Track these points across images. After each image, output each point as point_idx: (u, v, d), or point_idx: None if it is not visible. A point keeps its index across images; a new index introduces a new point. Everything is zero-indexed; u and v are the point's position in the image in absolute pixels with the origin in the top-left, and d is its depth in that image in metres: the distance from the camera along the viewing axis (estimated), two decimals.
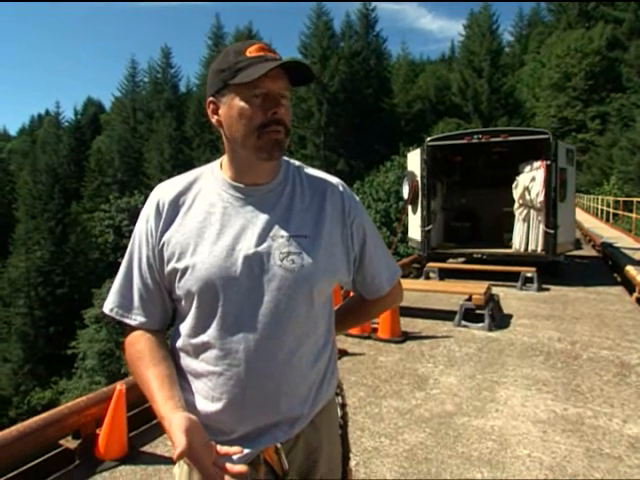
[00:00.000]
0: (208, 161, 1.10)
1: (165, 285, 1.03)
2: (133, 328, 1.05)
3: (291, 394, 0.99)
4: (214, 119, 1.02)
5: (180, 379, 1.02)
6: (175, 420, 0.87)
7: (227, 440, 0.98)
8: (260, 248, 0.97)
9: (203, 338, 0.98)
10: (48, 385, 23.78)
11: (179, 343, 1.03)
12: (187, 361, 1.02)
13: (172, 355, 1.05)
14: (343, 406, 1.17)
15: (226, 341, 0.96)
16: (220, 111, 1.00)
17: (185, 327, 1.01)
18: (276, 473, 1.00)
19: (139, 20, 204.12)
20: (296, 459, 1.03)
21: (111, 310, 1.05)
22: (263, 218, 1.00)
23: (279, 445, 1.00)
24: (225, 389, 0.97)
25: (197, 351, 0.99)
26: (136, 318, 1.04)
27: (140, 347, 1.01)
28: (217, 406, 0.97)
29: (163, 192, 1.04)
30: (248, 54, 0.96)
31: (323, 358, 1.06)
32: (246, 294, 0.96)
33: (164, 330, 1.09)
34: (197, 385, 1.00)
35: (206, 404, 0.99)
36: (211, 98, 1.01)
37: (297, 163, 1.12)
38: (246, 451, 0.97)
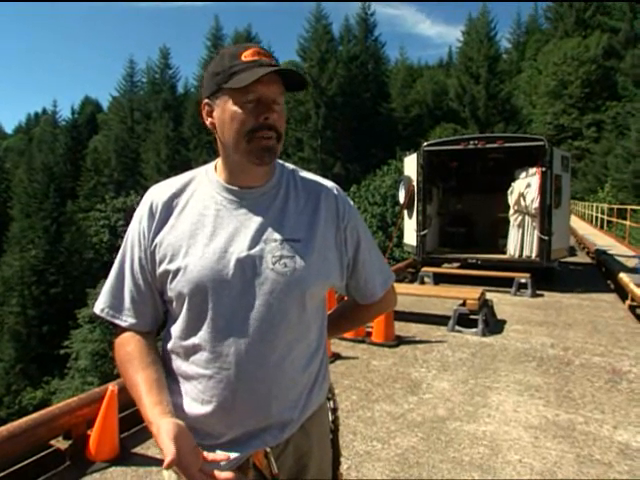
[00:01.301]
0: (205, 162, 1.10)
1: (157, 286, 1.03)
2: (123, 329, 1.04)
3: (282, 398, 0.99)
4: (208, 121, 1.03)
5: (170, 381, 1.02)
6: (163, 426, 0.86)
7: (216, 444, 0.98)
8: (252, 251, 0.97)
9: (194, 340, 0.98)
10: (40, 385, 23.61)
11: (170, 345, 1.02)
12: (178, 363, 1.02)
13: (163, 357, 1.05)
14: (334, 411, 1.17)
15: (217, 344, 0.96)
16: (214, 114, 1.00)
17: (176, 329, 1.01)
18: (265, 477, 1.00)
19: (138, 20, 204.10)
20: (286, 463, 1.03)
21: (102, 310, 1.05)
22: (256, 221, 1.00)
23: (268, 449, 0.99)
24: (215, 392, 0.96)
25: (188, 353, 0.99)
26: (127, 319, 1.03)
27: (130, 349, 1.01)
28: (207, 409, 0.97)
29: (157, 193, 1.05)
30: (243, 58, 0.96)
31: (315, 363, 1.06)
32: (238, 297, 0.96)
33: (155, 332, 1.09)
34: (187, 387, 1.00)
35: (196, 407, 0.98)
36: (206, 100, 1.01)
37: (291, 166, 1.12)
38: (235, 455, 0.97)
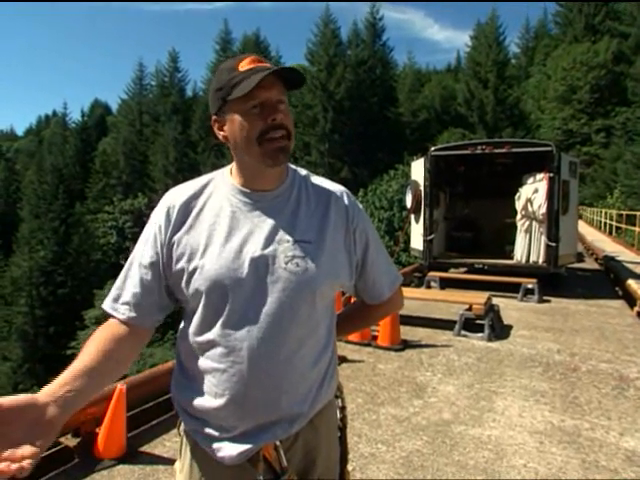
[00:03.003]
0: (213, 165, 1.14)
1: (169, 285, 1.05)
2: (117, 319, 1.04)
3: (292, 392, 1.02)
4: (221, 135, 1.07)
5: (185, 375, 1.06)
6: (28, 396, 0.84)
7: (228, 436, 1.01)
8: (266, 251, 1.01)
9: (209, 336, 1.01)
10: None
11: (185, 341, 1.06)
12: (192, 358, 1.05)
13: (178, 352, 1.09)
14: (342, 409, 1.20)
15: (230, 339, 0.99)
16: (225, 127, 1.04)
17: (192, 325, 1.04)
18: (274, 470, 1.03)
19: (147, 23, 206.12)
20: (294, 457, 1.06)
21: (107, 305, 1.06)
22: (270, 223, 1.04)
23: (278, 442, 1.03)
24: (228, 385, 1.00)
25: (202, 348, 1.03)
26: (124, 312, 1.04)
27: (99, 332, 1.01)
28: (220, 402, 1.00)
29: (174, 196, 1.08)
30: (240, 69, 1.00)
31: (324, 359, 1.09)
32: (251, 295, 1.00)
33: (151, 331, 1.08)
34: (201, 381, 1.03)
35: (209, 400, 1.02)
36: (215, 117, 1.06)
37: (304, 171, 1.16)
38: (246, 447, 1.00)
